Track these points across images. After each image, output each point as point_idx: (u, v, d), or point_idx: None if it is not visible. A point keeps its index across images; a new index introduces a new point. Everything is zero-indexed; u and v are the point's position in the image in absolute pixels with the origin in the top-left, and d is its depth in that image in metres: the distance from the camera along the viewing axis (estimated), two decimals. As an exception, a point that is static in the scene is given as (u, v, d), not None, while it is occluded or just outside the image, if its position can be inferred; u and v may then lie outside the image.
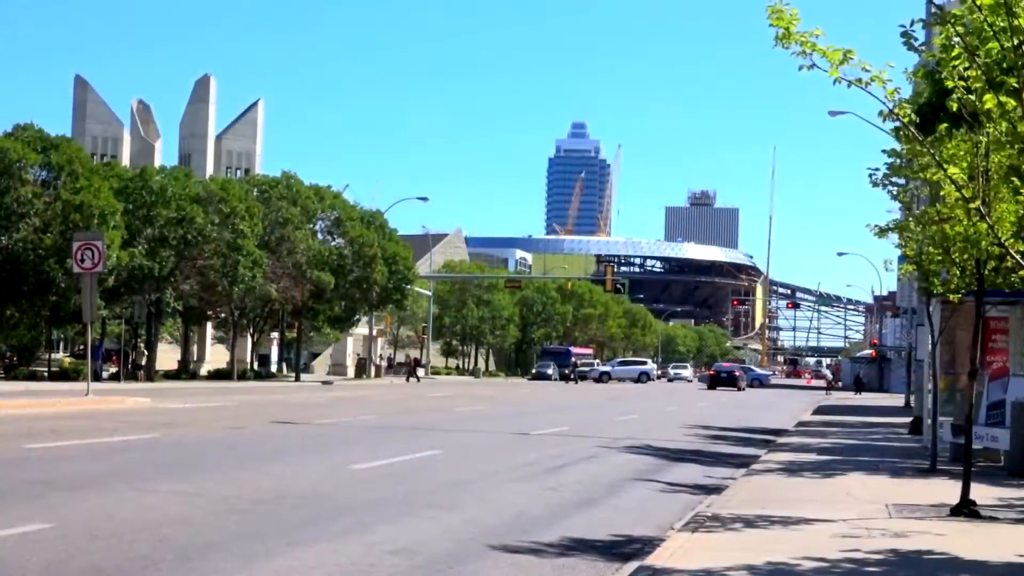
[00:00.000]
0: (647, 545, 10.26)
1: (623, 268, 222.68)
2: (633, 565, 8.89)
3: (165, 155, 77.37)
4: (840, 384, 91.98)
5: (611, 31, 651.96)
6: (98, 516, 10.36)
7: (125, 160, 70.80)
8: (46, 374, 50.33)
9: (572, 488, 14.52)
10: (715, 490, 14.91)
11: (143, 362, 56.47)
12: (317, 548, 9.26)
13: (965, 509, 11.78)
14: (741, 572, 8.45)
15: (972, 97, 7.69)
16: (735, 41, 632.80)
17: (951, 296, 13.82)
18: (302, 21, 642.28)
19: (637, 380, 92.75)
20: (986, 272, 12.32)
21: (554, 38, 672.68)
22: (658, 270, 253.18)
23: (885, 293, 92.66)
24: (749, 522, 11.19)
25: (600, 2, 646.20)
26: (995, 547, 9.95)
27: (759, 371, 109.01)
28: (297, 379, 65.39)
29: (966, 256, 12.07)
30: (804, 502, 13.02)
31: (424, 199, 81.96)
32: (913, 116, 8.36)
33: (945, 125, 8.54)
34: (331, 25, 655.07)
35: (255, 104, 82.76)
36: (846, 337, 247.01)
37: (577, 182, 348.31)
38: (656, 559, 9.00)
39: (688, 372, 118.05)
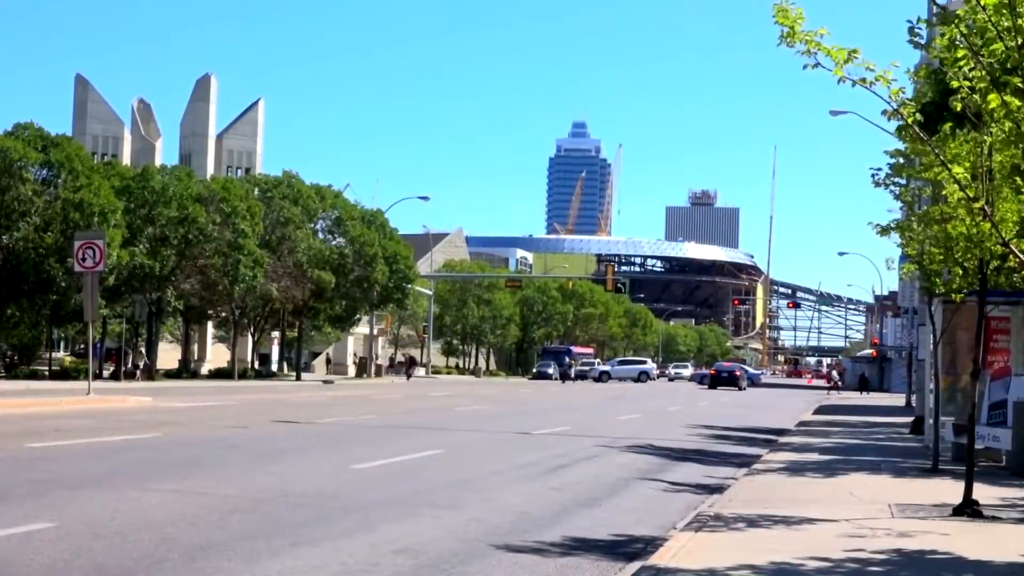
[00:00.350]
0: (650, 545, 10.26)
1: (624, 268, 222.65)
2: (636, 565, 8.88)
3: (166, 154, 77.42)
4: (841, 384, 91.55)
5: (612, 30, 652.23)
6: (101, 515, 10.36)
7: (126, 159, 70.78)
8: (47, 373, 50.39)
9: (574, 488, 14.53)
10: (717, 490, 14.91)
11: (141, 362, 56.49)
12: (321, 548, 9.26)
13: (968, 509, 11.78)
14: (744, 572, 8.44)
15: (976, 97, 7.69)
16: (736, 40, 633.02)
17: (953, 296, 13.80)
18: (302, 20, 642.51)
19: (637, 380, 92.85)
20: (988, 272, 12.33)
21: (555, 37, 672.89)
22: (659, 270, 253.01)
23: (886, 293, 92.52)
24: (752, 522, 11.19)
25: (601, 1, 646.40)
26: (998, 547, 9.95)
27: (752, 370, 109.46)
28: (298, 378, 65.40)
29: (968, 256, 12.07)
30: (807, 502, 13.03)
31: (425, 198, 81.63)
32: (918, 116, 8.36)
33: (949, 125, 8.53)
34: (332, 24, 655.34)
35: (256, 103, 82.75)
36: (847, 337, 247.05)
37: (578, 182, 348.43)
38: (659, 559, 8.99)
39: (688, 372, 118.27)
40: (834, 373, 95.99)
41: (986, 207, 8.99)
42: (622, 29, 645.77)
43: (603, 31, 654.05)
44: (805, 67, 7.80)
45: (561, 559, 9.44)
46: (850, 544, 9.83)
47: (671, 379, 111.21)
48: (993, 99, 7.50)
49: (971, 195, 8.93)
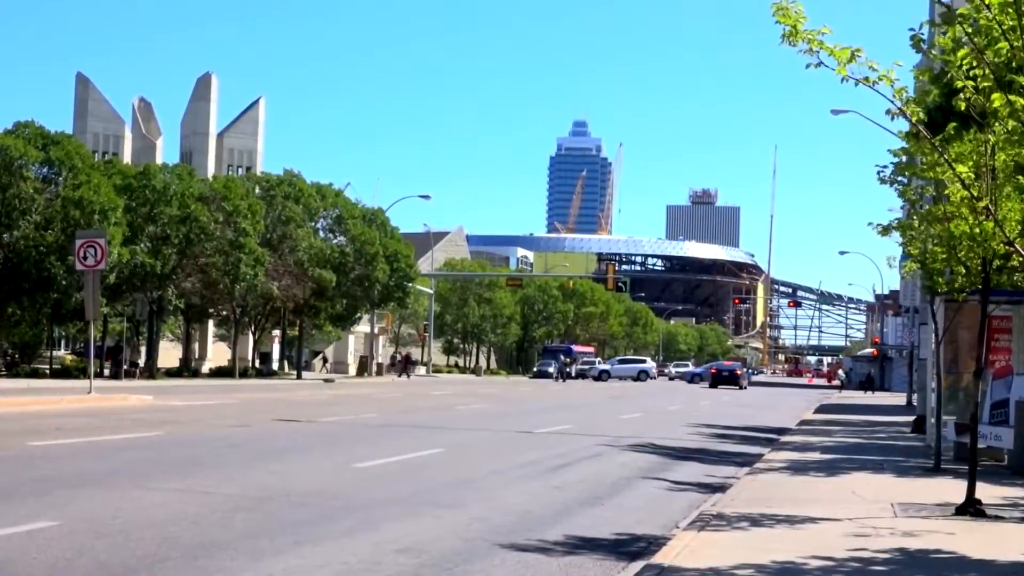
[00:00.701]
0: (653, 544, 10.25)
1: (624, 266, 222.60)
2: (640, 564, 8.88)
3: (166, 153, 77.37)
4: (846, 383, 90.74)
5: (613, 29, 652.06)
6: (104, 514, 10.36)
7: (126, 158, 70.70)
8: (48, 371, 50.39)
9: (577, 487, 14.52)
10: (720, 489, 14.90)
11: (139, 361, 56.35)
12: (324, 546, 9.26)
13: (971, 508, 11.77)
14: (748, 571, 8.43)
15: (980, 97, 7.67)
16: (737, 39, 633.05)
17: (955, 295, 13.78)
18: (303, 19, 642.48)
19: (636, 379, 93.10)
20: (990, 271, 12.30)
21: (555, 36, 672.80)
22: (659, 268, 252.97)
23: (886, 292, 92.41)
24: (755, 521, 11.18)
25: (602, 1, 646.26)
26: (1002, 546, 9.94)
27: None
28: (298, 377, 65.41)
29: (971, 255, 12.06)
30: (809, 501, 13.02)
31: (426, 197, 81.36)
32: (922, 115, 8.34)
33: (954, 125, 8.51)
34: (332, 23, 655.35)
35: (256, 102, 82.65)
36: (847, 336, 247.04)
37: (579, 180, 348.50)
38: (663, 558, 8.98)
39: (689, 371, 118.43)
40: (841, 372, 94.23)
41: (990, 206, 8.97)
42: (622, 28, 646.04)
43: (604, 30, 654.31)
44: (808, 66, 7.78)
45: (564, 558, 9.43)
46: (854, 543, 9.82)
47: (671, 378, 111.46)
48: (997, 98, 7.49)
49: (975, 194, 8.91)
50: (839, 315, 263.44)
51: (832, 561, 8.89)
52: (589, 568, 9.11)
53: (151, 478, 13.22)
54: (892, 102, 8.11)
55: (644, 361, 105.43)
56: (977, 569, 8.95)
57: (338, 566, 8.52)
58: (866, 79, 7.81)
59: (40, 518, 9.92)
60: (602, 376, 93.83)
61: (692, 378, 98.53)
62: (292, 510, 11.16)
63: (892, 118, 8.34)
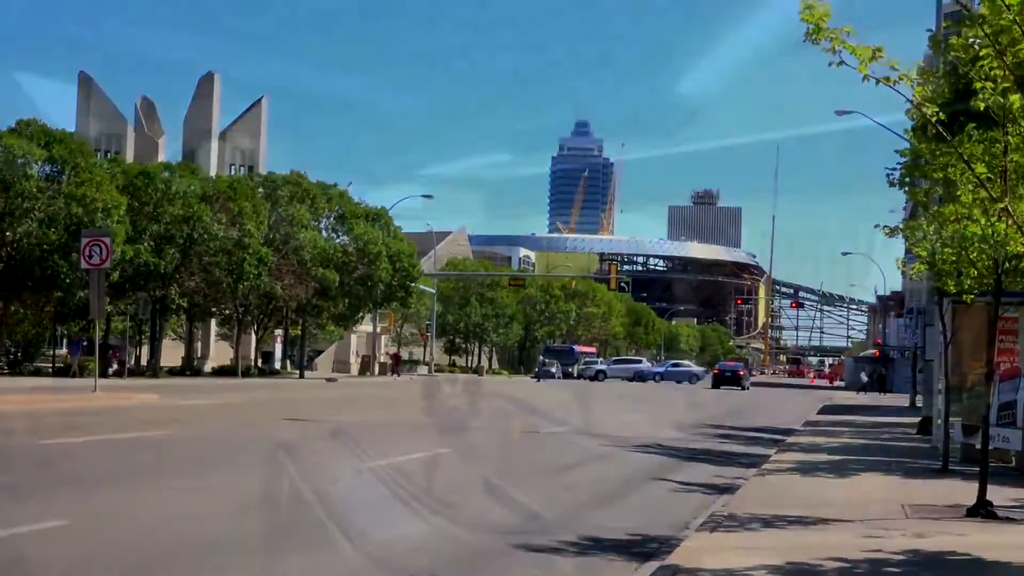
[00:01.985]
0: (665, 545, 10.24)
1: (626, 267, 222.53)
2: (653, 565, 8.87)
3: (169, 152, 77.42)
4: (862, 386, 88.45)
5: (615, 29, 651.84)
6: (116, 512, 10.37)
7: (129, 157, 70.73)
8: (50, 370, 50.36)
9: (586, 487, 14.53)
10: (728, 490, 14.88)
11: (128, 361, 56.19)
12: (337, 546, 9.26)
13: (982, 510, 11.75)
14: (762, 572, 8.42)
15: (998, 97, 7.66)
16: (738, 39, 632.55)
17: (965, 297, 13.73)
18: (305, 19, 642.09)
19: (632, 379, 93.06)
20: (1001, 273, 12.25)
21: (557, 35, 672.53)
22: (661, 269, 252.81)
23: (888, 293, 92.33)
24: (766, 522, 11.17)
25: (604, 1, 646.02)
26: (1016, 548, 9.93)
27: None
28: (301, 376, 65.40)
29: (983, 256, 12.01)
30: (819, 502, 13.00)
31: (428, 197, 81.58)
32: (940, 115, 8.33)
33: (972, 125, 8.51)
34: (334, 23, 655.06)
35: (259, 101, 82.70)
36: (849, 337, 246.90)
37: (580, 180, 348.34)
38: (676, 559, 8.97)
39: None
40: (863, 375, 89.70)
41: (1009, 207, 8.96)
42: (625, 28, 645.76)
43: (607, 28, 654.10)
44: (830, 64, 7.78)
45: (577, 559, 9.42)
46: (866, 544, 9.80)
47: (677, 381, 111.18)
48: (1016, 99, 7.48)
49: (994, 195, 8.90)
50: (841, 316, 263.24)
51: (846, 563, 8.88)
52: (603, 569, 9.11)
53: (161, 477, 13.23)
54: (910, 101, 8.11)
55: (640, 361, 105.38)
56: (991, 570, 8.95)
57: (352, 564, 8.53)
58: (887, 78, 7.80)
59: (52, 517, 9.90)
60: (598, 376, 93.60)
61: (653, 377, 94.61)
62: (304, 509, 11.14)
63: (912, 118, 8.34)
